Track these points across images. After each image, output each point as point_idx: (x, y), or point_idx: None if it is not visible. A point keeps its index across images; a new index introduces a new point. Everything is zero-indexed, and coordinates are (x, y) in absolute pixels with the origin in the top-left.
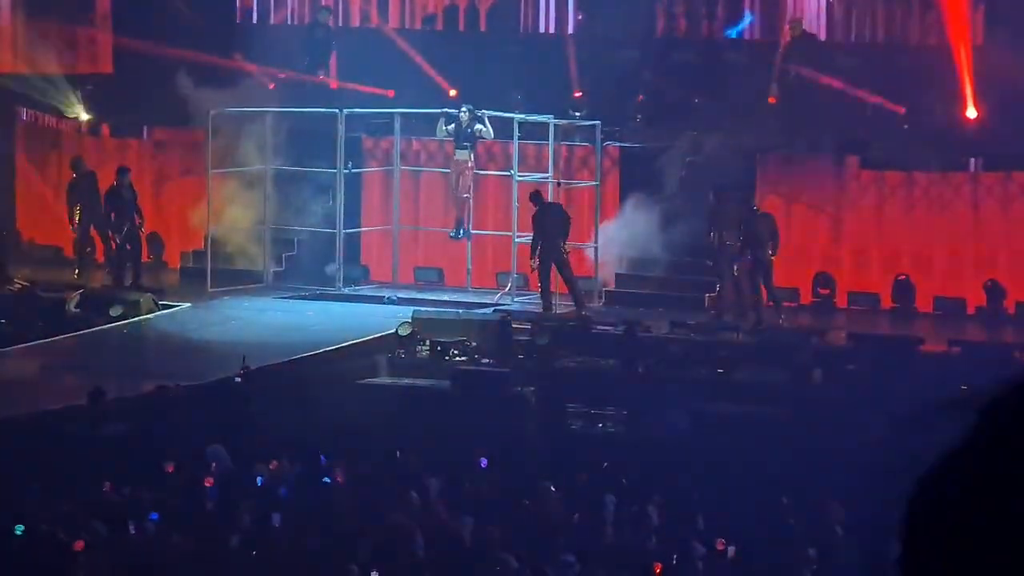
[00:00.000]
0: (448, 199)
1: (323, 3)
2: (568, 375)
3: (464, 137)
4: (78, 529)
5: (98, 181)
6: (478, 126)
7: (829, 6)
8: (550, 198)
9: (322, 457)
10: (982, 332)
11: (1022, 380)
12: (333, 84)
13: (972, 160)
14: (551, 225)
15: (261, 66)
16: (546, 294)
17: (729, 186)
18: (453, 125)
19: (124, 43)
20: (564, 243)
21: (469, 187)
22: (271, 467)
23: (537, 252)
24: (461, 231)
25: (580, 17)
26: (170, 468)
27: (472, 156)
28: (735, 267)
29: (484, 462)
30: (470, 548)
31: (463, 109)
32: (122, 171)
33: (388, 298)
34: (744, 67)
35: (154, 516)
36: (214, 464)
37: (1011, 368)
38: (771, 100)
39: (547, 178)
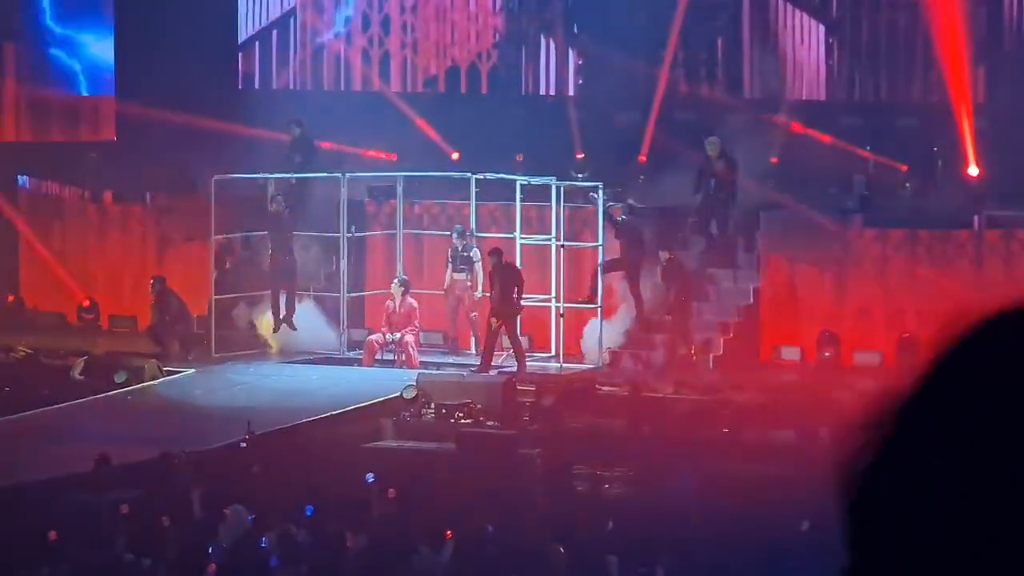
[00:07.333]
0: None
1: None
2: (573, 436)
3: (460, 261)
4: None
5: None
6: (474, 250)
7: (829, 67)
8: (553, 259)
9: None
10: None
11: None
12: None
13: (975, 217)
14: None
15: (263, 131)
16: (487, 352)
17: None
18: (449, 250)
19: (126, 110)
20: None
21: (474, 305)
22: (277, 533)
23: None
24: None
25: (581, 81)
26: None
27: (469, 277)
28: None
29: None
30: None
31: (454, 233)
32: None
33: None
34: (746, 127)
35: None
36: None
37: None
38: (773, 160)
39: (550, 239)
